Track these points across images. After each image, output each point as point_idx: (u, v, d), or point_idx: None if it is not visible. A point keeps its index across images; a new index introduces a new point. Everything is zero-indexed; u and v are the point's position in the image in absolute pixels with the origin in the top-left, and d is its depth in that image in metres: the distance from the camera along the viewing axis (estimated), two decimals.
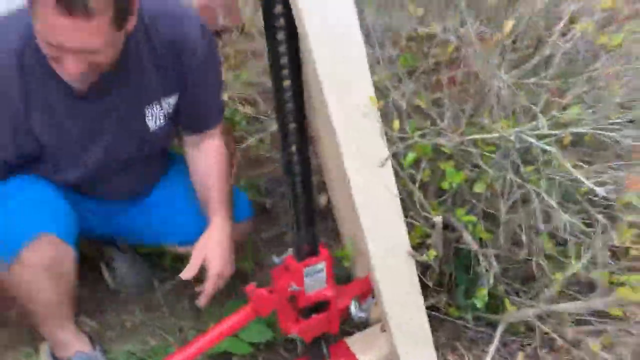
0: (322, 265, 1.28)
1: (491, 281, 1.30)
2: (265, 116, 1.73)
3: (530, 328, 1.47)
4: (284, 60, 1.03)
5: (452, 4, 1.15)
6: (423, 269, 1.36)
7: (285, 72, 1.04)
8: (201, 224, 1.44)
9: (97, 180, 1.44)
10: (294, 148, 1.13)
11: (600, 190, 0.93)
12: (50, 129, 1.28)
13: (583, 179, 0.96)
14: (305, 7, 0.97)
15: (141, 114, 1.35)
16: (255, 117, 1.77)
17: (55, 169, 1.36)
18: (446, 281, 1.52)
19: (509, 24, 1.06)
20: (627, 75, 1.16)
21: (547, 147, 1.01)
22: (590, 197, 1.17)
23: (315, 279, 1.29)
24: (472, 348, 1.53)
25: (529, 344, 1.49)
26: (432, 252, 1.22)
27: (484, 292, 1.33)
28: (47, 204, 1.33)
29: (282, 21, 0.99)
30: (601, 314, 1.41)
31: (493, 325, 1.48)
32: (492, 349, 1.37)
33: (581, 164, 1.13)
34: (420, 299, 1.32)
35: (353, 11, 1.02)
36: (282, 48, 1.02)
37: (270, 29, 1.00)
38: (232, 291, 1.55)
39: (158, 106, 1.37)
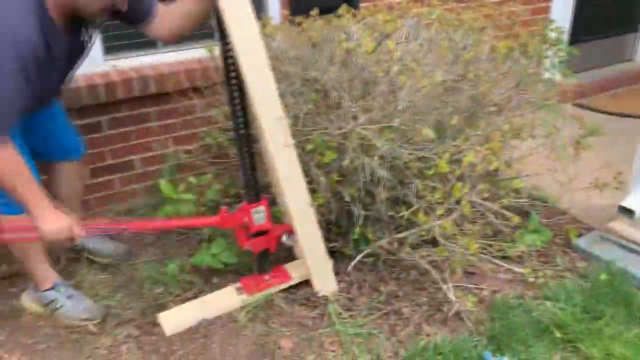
0: (262, 208, 2.26)
1: (360, 223, 2.30)
2: None
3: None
4: (237, 95, 2.09)
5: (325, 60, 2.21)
6: (328, 225, 2.38)
7: (238, 102, 2.10)
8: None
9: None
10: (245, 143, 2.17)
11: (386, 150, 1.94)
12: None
13: (378, 144, 1.97)
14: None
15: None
16: None
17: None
18: (342, 233, 2.51)
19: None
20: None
21: (368, 133, 2.03)
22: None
23: (259, 216, 2.27)
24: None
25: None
26: (320, 199, 2.22)
27: (357, 229, 2.32)
28: None
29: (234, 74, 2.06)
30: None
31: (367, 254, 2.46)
32: (354, 262, 2.39)
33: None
34: (320, 235, 2.29)
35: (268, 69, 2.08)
36: (236, 93, 2.09)
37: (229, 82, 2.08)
38: None
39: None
